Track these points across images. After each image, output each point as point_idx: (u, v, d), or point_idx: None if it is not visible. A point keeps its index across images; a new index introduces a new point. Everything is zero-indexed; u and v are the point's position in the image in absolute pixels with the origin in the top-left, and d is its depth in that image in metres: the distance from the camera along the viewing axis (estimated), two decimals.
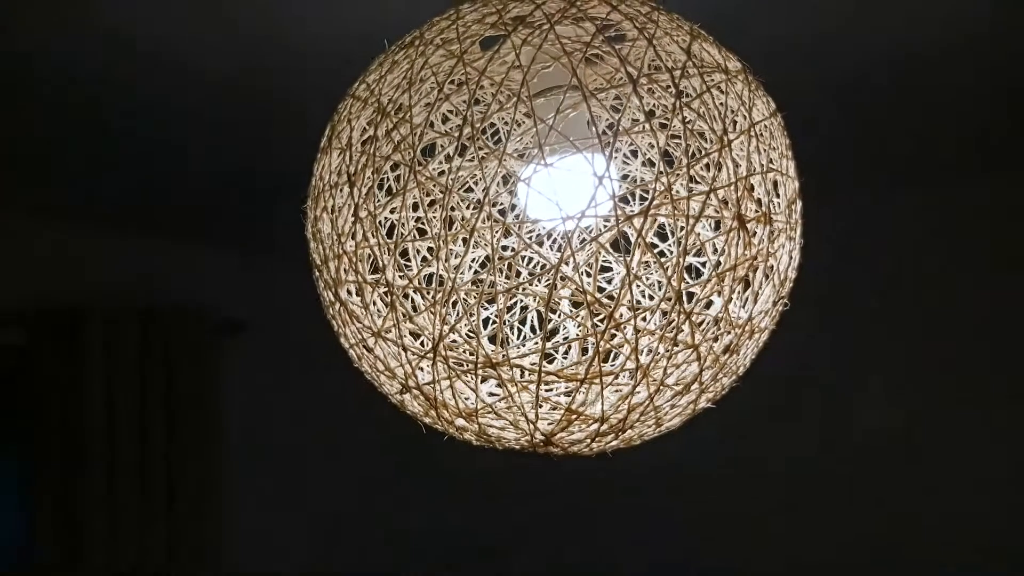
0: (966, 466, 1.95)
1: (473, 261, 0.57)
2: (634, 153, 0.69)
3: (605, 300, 0.54)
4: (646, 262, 0.57)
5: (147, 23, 1.11)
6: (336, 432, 2.68)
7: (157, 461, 2.08)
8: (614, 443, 0.63)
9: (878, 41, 1.21)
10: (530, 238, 0.66)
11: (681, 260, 0.52)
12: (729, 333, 0.57)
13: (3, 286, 1.99)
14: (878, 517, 2.03)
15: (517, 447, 0.63)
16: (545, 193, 0.53)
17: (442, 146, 0.62)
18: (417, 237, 0.55)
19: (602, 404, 0.56)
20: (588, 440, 0.60)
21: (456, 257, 0.53)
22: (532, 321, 0.59)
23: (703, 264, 0.57)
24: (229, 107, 1.47)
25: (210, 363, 2.22)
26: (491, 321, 0.58)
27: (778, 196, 0.59)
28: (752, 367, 0.71)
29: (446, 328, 0.53)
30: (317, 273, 0.65)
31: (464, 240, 0.53)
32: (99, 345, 2.01)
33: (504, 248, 0.57)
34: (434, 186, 0.52)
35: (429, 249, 0.55)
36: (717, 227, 0.57)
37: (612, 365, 0.56)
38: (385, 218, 0.55)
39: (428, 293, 0.54)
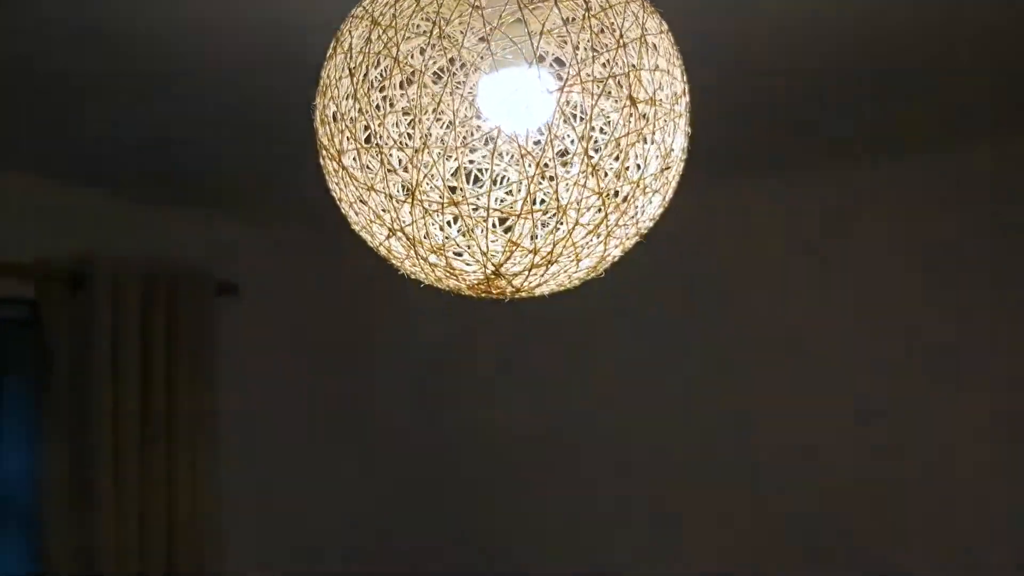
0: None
1: (441, 126, 0.78)
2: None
3: (534, 152, 0.76)
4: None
5: None
6: (315, 385, 2.90)
7: (158, 407, 2.25)
8: (547, 279, 0.85)
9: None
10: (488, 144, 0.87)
11: (588, 124, 0.74)
12: (626, 186, 0.79)
13: (13, 242, 2.15)
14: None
15: (475, 282, 0.84)
16: (493, 77, 0.76)
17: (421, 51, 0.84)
18: (398, 111, 0.76)
19: (532, 235, 0.77)
20: (526, 271, 0.81)
21: (428, 120, 0.75)
22: (485, 175, 0.80)
23: (607, 135, 0.79)
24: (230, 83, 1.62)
25: (207, 319, 2.41)
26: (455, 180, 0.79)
27: (668, 89, 0.81)
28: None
29: (421, 175, 0.75)
30: (324, 153, 0.86)
31: (434, 111, 0.74)
32: (105, 299, 2.17)
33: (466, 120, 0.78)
34: (412, 71, 0.74)
35: (406, 114, 0.76)
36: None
37: (541, 205, 0.77)
38: (375, 99, 0.76)
39: (407, 149, 0.75)
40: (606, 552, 2.49)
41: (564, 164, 0.79)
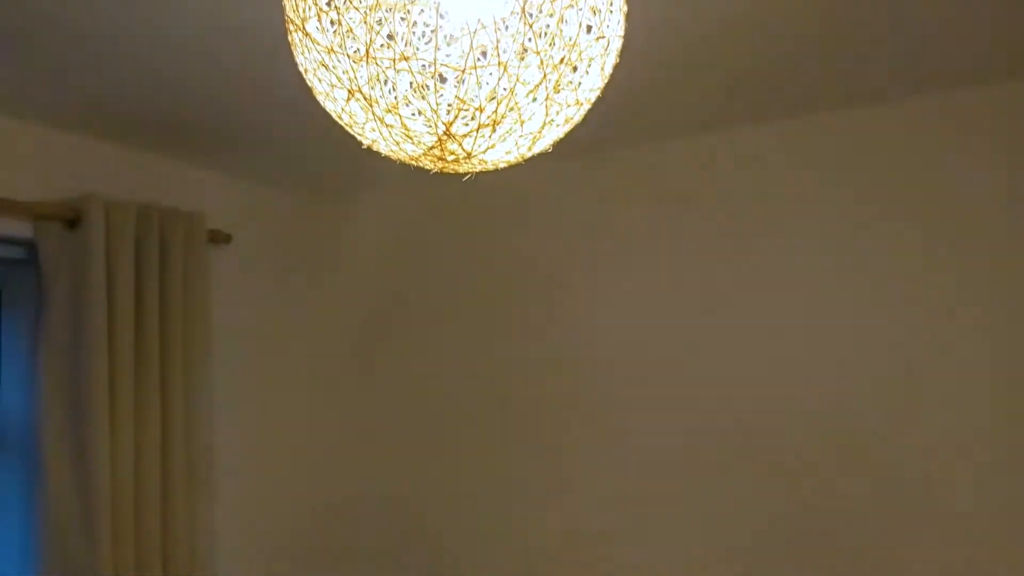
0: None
1: None
2: None
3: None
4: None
5: None
6: (302, 334, 2.98)
7: (151, 343, 2.33)
8: (495, 142, 0.92)
9: None
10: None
11: None
12: (563, 50, 0.87)
13: (13, 183, 2.22)
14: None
15: (429, 145, 0.92)
16: None
17: None
18: None
19: (478, 93, 0.85)
20: (474, 133, 0.89)
21: None
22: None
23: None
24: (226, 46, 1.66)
25: (200, 259, 2.49)
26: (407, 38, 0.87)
27: None
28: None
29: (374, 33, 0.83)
30: (291, 27, 0.93)
31: None
32: (100, 238, 2.25)
33: None
34: None
35: None
36: None
37: (484, 63, 0.85)
38: None
39: (360, 9, 0.83)
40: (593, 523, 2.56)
41: (521, 58, 0.87)
